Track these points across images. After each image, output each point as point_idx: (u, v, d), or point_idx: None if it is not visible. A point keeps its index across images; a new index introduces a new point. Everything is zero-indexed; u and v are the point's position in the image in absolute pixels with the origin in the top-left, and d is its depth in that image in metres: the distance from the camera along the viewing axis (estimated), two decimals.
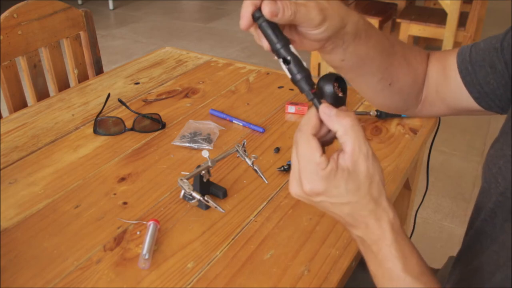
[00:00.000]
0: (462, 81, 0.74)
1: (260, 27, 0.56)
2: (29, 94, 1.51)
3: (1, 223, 0.93)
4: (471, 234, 0.69)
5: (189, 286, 0.80)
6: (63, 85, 1.59)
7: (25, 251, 0.86)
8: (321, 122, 0.56)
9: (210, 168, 0.96)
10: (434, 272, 1.01)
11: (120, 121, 1.22)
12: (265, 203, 0.98)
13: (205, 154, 0.95)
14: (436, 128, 1.28)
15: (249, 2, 0.55)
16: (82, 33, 1.62)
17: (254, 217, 0.95)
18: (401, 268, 0.56)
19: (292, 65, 0.57)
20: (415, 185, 1.44)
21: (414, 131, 1.22)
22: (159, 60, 1.63)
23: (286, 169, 1.07)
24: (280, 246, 0.88)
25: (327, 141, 0.58)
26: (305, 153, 0.54)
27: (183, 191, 0.89)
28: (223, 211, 0.92)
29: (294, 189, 0.56)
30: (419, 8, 3.80)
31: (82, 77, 1.65)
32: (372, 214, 0.55)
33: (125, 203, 0.98)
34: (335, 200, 0.55)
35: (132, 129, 1.21)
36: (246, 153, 0.99)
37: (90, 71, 1.68)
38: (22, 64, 1.48)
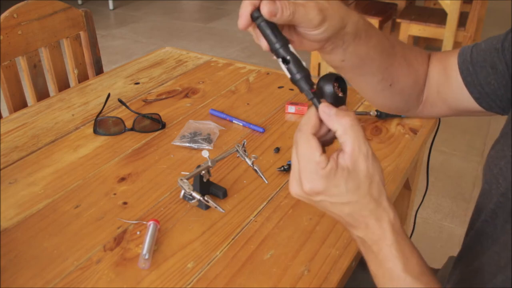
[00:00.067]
0: (463, 81, 0.74)
1: (259, 27, 0.56)
2: (29, 94, 1.51)
3: (1, 223, 0.93)
4: (472, 234, 0.69)
5: (189, 286, 0.80)
6: (63, 85, 1.59)
7: (25, 251, 0.86)
8: (321, 121, 0.56)
9: (210, 168, 0.96)
10: (434, 272, 1.01)
11: (120, 121, 1.22)
12: (265, 203, 0.98)
13: (205, 154, 0.95)
14: (436, 128, 1.28)
15: (248, 2, 0.55)
16: (82, 33, 1.62)
17: (254, 217, 0.95)
18: (401, 268, 0.56)
19: (291, 65, 0.57)
20: (415, 185, 1.44)
21: (414, 131, 1.22)
22: (159, 60, 1.63)
23: (286, 169, 1.07)
24: (280, 246, 0.88)
25: (327, 141, 0.58)
26: (305, 153, 0.54)
27: (183, 191, 0.89)
28: (223, 211, 0.92)
29: (294, 188, 0.56)
30: (419, 8, 3.80)
31: (82, 77, 1.65)
32: (372, 214, 0.55)
33: (125, 203, 0.98)
34: (335, 200, 0.55)
35: (132, 129, 1.21)
36: (246, 153, 0.99)
37: (90, 71, 1.68)
38: (22, 64, 1.48)
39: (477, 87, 0.73)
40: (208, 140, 1.17)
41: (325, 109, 0.55)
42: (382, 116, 1.26)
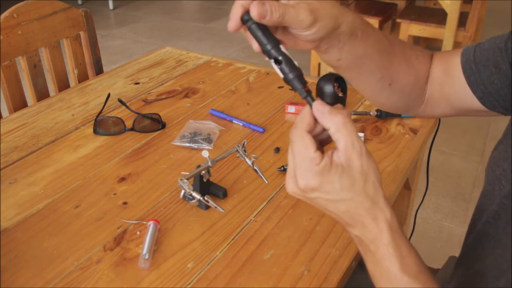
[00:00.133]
0: (466, 81, 0.73)
1: (249, 29, 0.57)
2: (29, 94, 1.51)
3: (1, 223, 0.93)
4: (473, 236, 0.69)
5: (189, 286, 0.80)
6: (63, 85, 1.59)
7: (25, 251, 0.86)
8: (315, 119, 0.56)
9: (210, 168, 0.96)
10: (434, 272, 1.01)
11: (120, 121, 1.22)
12: (265, 203, 0.98)
13: (205, 154, 0.94)
14: (436, 128, 1.28)
15: (238, 4, 0.56)
16: (82, 33, 1.62)
17: (254, 217, 0.95)
18: (398, 268, 0.56)
19: (283, 65, 0.57)
20: (415, 185, 1.44)
21: (414, 131, 1.22)
22: (159, 60, 1.63)
23: (286, 169, 1.07)
24: (280, 246, 0.88)
25: (324, 140, 0.59)
26: (300, 150, 0.55)
27: (183, 191, 0.89)
28: (223, 211, 0.92)
29: (290, 186, 0.57)
30: (419, 8, 3.80)
31: (82, 77, 1.65)
32: (368, 213, 0.56)
33: (125, 203, 0.98)
34: (329, 197, 0.55)
35: (132, 129, 1.21)
36: (246, 153, 0.99)
37: (90, 71, 1.68)
38: (22, 64, 1.48)
39: (480, 87, 0.72)
40: (208, 140, 1.17)
41: (319, 107, 0.56)
42: (382, 116, 1.26)
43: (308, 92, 0.57)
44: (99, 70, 1.69)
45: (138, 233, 0.90)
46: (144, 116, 1.25)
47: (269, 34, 0.57)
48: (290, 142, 0.56)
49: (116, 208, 0.97)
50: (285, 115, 1.30)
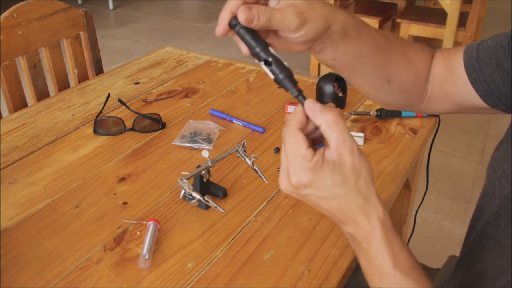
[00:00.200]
0: (468, 78, 0.73)
1: (238, 33, 0.58)
2: (29, 94, 1.51)
3: (1, 223, 0.93)
4: (474, 236, 0.69)
5: (189, 286, 0.80)
6: (63, 85, 1.59)
7: (25, 251, 0.86)
8: (307, 118, 0.57)
9: (210, 168, 0.96)
10: (434, 272, 1.01)
11: (120, 121, 1.22)
12: (265, 203, 0.98)
13: (205, 154, 0.95)
14: (436, 128, 1.27)
15: (227, 10, 0.58)
16: (82, 33, 1.62)
17: (254, 217, 0.95)
18: (391, 265, 0.56)
19: (273, 66, 0.59)
20: (415, 185, 1.44)
21: (414, 131, 1.22)
22: (159, 60, 1.63)
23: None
24: (280, 246, 0.88)
25: (317, 139, 0.59)
26: (292, 147, 0.56)
27: (183, 191, 0.89)
28: (223, 211, 0.92)
29: (283, 183, 0.58)
30: (419, 8, 3.80)
31: (82, 77, 1.65)
32: (361, 210, 0.56)
33: (125, 203, 0.98)
34: (321, 193, 0.56)
35: (132, 129, 1.21)
36: (246, 153, 0.99)
37: (90, 71, 1.68)
38: (22, 64, 1.48)
39: (482, 84, 0.72)
40: (208, 140, 1.17)
41: (310, 105, 0.56)
42: (382, 116, 1.26)
43: (299, 91, 0.59)
44: (99, 70, 1.69)
45: (138, 233, 0.90)
46: (144, 116, 1.25)
47: (258, 37, 0.58)
48: (283, 141, 0.57)
49: (116, 208, 0.97)
50: (285, 115, 1.30)
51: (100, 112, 1.30)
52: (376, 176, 1.05)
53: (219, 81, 1.49)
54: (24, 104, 1.49)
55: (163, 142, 1.18)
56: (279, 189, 1.02)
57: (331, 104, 0.57)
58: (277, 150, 1.15)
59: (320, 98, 1.30)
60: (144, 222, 0.92)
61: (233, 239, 0.89)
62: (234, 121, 1.26)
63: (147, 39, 4.39)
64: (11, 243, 0.88)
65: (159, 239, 0.89)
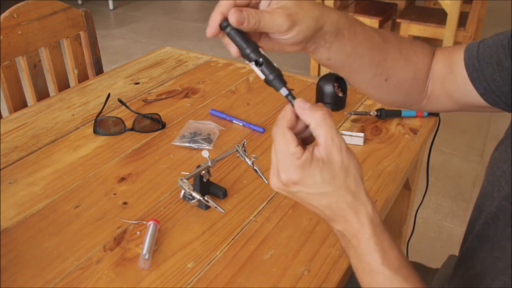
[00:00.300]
0: (468, 77, 0.73)
1: (228, 35, 0.60)
2: (29, 94, 1.51)
3: (1, 223, 0.93)
4: (472, 237, 0.69)
5: (189, 286, 0.80)
6: (63, 85, 1.59)
7: (25, 251, 0.86)
8: (297, 117, 0.58)
9: (210, 168, 0.96)
10: (434, 272, 1.01)
11: (120, 121, 1.22)
12: (265, 203, 0.98)
13: (205, 154, 0.95)
14: (436, 128, 1.27)
15: (218, 12, 0.58)
16: (82, 33, 1.62)
17: (254, 217, 0.95)
18: (380, 262, 0.56)
19: (264, 67, 0.60)
20: (415, 185, 1.44)
21: (414, 131, 1.22)
22: (159, 60, 1.63)
23: None
24: (280, 246, 0.88)
25: (307, 138, 0.60)
26: (281, 146, 0.56)
27: (183, 191, 0.89)
28: (223, 211, 0.92)
29: (273, 181, 0.59)
30: (419, 8, 3.80)
31: (82, 77, 1.65)
32: (350, 207, 0.56)
33: (125, 203, 0.98)
34: (311, 190, 0.56)
35: (132, 129, 1.21)
36: (246, 153, 0.99)
37: (90, 71, 1.68)
38: (22, 64, 1.48)
39: (482, 83, 0.72)
40: (208, 140, 1.17)
41: (300, 104, 0.57)
42: (382, 116, 1.26)
43: (289, 91, 0.60)
44: (99, 70, 1.70)
45: (138, 233, 0.90)
46: (144, 116, 1.25)
47: (248, 39, 0.60)
48: (273, 140, 0.58)
49: (116, 208, 0.97)
50: None
51: (100, 112, 1.30)
52: (376, 176, 1.05)
53: (219, 81, 1.49)
54: (24, 104, 1.49)
55: (163, 142, 1.18)
56: None
57: (320, 104, 0.58)
58: None
59: (320, 98, 1.30)
60: (144, 222, 0.93)
61: (233, 239, 0.89)
62: (234, 121, 1.26)
63: (147, 39, 4.39)
64: (11, 243, 0.88)
65: (159, 239, 0.89)
